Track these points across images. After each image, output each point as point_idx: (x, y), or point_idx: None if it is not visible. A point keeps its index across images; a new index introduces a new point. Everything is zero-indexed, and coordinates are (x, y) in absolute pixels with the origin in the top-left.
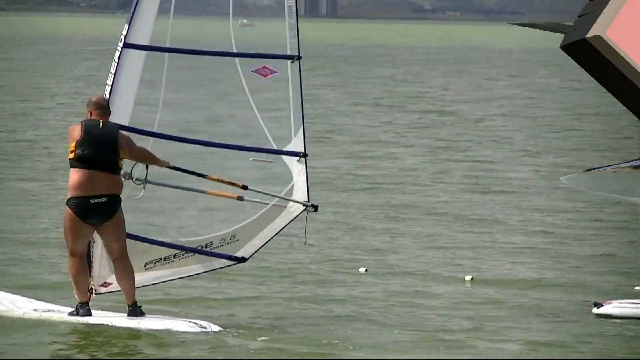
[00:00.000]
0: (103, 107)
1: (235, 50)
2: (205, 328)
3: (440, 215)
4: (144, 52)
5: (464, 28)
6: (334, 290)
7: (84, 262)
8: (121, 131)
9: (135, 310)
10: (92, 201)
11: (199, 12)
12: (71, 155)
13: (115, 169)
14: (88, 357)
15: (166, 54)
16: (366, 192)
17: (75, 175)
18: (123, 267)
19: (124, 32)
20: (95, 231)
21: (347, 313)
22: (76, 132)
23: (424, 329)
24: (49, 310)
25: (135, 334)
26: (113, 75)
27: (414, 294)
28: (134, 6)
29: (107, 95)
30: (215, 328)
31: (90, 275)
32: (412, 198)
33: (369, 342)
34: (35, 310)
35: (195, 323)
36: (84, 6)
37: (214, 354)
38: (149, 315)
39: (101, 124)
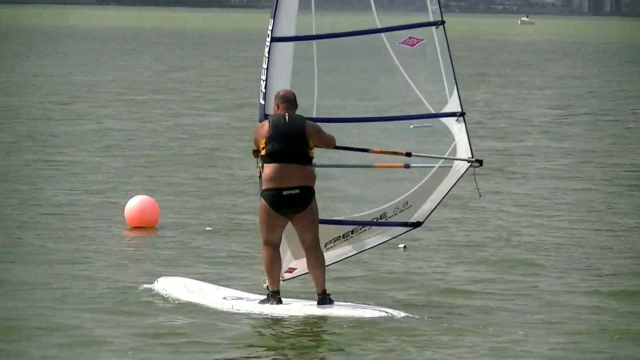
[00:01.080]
0: (289, 101)
1: (380, 27)
2: (393, 315)
3: None
4: (291, 44)
5: None
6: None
7: (277, 252)
8: (308, 121)
9: (324, 299)
10: (284, 193)
11: (339, 6)
12: (263, 152)
13: (306, 160)
14: (279, 346)
15: (314, 42)
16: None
17: (267, 168)
18: (315, 257)
19: (270, 27)
20: (290, 221)
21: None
22: (264, 128)
23: None
24: (238, 298)
25: (325, 322)
26: (266, 70)
27: None
28: (276, 0)
29: (263, 90)
30: (402, 315)
31: None
32: None
33: None
34: (224, 298)
35: (385, 311)
36: None
37: (403, 342)
38: (337, 304)
39: (287, 117)
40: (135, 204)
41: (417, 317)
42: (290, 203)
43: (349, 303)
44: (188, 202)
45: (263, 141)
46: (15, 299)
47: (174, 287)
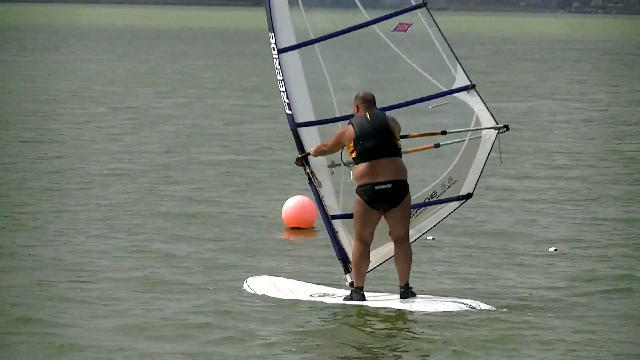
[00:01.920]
0: (369, 101)
1: (369, 19)
2: (474, 308)
3: None
4: (296, 52)
5: None
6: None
7: (368, 249)
8: (387, 114)
9: (407, 292)
10: (376, 188)
11: (327, 5)
12: (353, 155)
13: (396, 152)
14: (363, 341)
15: (315, 46)
16: None
17: (360, 166)
18: (404, 250)
19: (272, 41)
20: (383, 215)
21: None
22: (348, 132)
23: None
24: (324, 295)
25: (409, 316)
26: (282, 82)
27: None
28: (269, 15)
29: (286, 100)
30: (485, 307)
31: (344, 259)
32: None
33: None
34: (311, 295)
35: (464, 303)
36: (524, 5)
37: (485, 333)
38: (420, 296)
39: (369, 116)
40: (292, 204)
41: (504, 310)
42: (384, 198)
43: (431, 296)
44: None
45: (351, 144)
46: (174, 296)
47: (263, 286)
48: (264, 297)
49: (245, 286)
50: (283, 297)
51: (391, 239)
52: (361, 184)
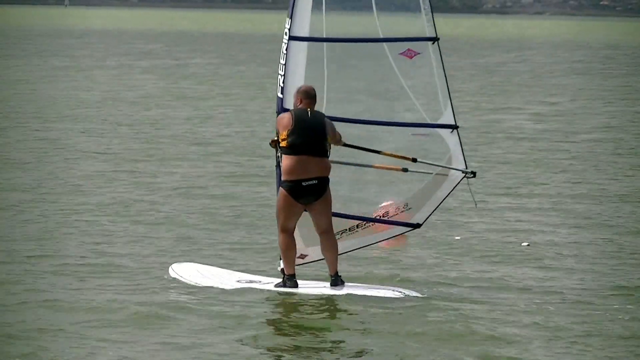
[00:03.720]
0: (311, 97)
1: (382, 37)
2: (407, 295)
3: None
4: (305, 43)
5: None
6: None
7: (293, 237)
8: (326, 118)
9: (336, 280)
10: (304, 184)
11: (345, 6)
12: (283, 143)
13: (324, 153)
14: (294, 326)
15: (324, 44)
16: None
17: (288, 160)
18: (329, 240)
19: (287, 26)
20: (306, 209)
21: None
22: (285, 121)
23: None
24: (251, 281)
25: (339, 302)
26: (284, 66)
27: None
28: (292, 2)
29: (282, 84)
30: (414, 294)
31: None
32: None
33: None
34: (238, 281)
35: (398, 291)
36: (620, 10)
37: (420, 320)
38: (348, 284)
39: (309, 112)
40: None
41: (426, 296)
42: (309, 193)
43: (360, 284)
44: None
45: (285, 133)
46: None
47: (188, 273)
48: (190, 284)
49: (170, 272)
50: (209, 284)
51: (317, 232)
52: (289, 179)
